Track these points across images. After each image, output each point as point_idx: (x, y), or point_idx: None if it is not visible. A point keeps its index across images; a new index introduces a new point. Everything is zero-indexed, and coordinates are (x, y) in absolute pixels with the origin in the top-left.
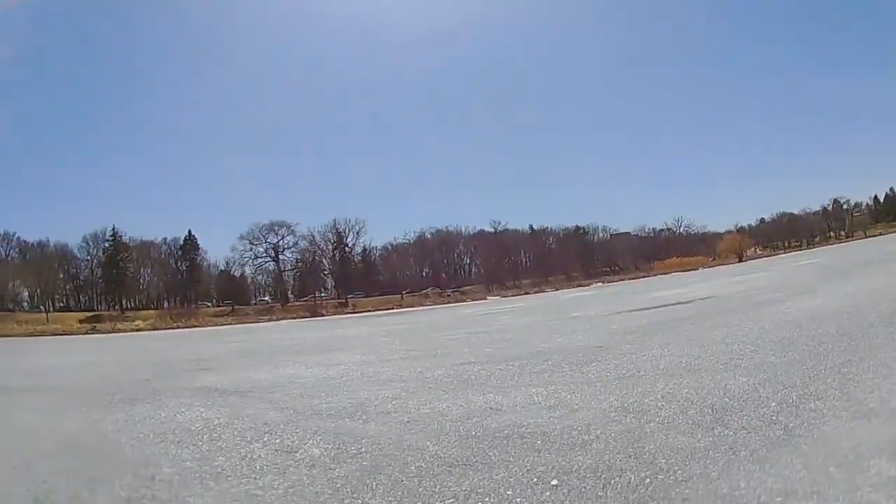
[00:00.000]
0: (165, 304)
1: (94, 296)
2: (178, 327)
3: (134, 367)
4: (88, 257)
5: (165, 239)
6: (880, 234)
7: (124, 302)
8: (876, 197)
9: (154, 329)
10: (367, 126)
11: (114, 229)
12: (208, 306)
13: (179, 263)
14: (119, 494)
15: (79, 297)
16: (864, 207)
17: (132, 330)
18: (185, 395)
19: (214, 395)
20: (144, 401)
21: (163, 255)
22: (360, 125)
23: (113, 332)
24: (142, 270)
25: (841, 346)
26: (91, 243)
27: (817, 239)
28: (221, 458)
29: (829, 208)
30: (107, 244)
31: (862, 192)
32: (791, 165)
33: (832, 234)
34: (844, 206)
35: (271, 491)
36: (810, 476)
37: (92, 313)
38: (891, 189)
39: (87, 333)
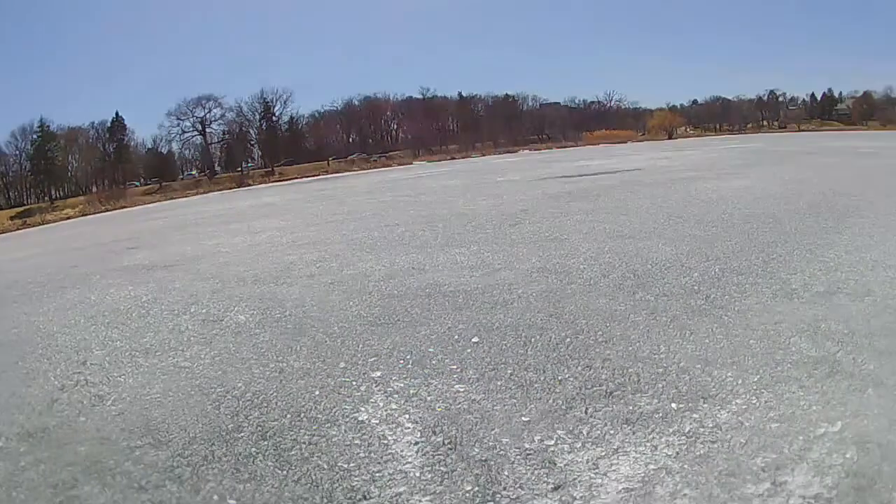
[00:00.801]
0: (94, 189)
1: (24, 190)
2: (108, 210)
3: (63, 256)
4: (17, 152)
5: (93, 123)
6: (814, 130)
7: (54, 192)
8: (813, 94)
9: (83, 215)
10: None
11: (41, 120)
12: (136, 186)
13: (107, 146)
14: (53, 384)
15: (9, 195)
16: (800, 103)
17: (62, 219)
18: (113, 276)
19: (142, 272)
20: (74, 287)
21: (91, 140)
22: None
23: (43, 223)
24: (70, 158)
25: (767, 227)
26: (19, 137)
27: (750, 126)
28: (150, 333)
29: (765, 98)
30: (35, 136)
31: (799, 88)
32: (729, 53)
33: (765, 123)
34: (780, 99)
35: (198, 361)
36: (731, 346)
37: (22, 208)
38: (829, 89)
39: (18, 229)
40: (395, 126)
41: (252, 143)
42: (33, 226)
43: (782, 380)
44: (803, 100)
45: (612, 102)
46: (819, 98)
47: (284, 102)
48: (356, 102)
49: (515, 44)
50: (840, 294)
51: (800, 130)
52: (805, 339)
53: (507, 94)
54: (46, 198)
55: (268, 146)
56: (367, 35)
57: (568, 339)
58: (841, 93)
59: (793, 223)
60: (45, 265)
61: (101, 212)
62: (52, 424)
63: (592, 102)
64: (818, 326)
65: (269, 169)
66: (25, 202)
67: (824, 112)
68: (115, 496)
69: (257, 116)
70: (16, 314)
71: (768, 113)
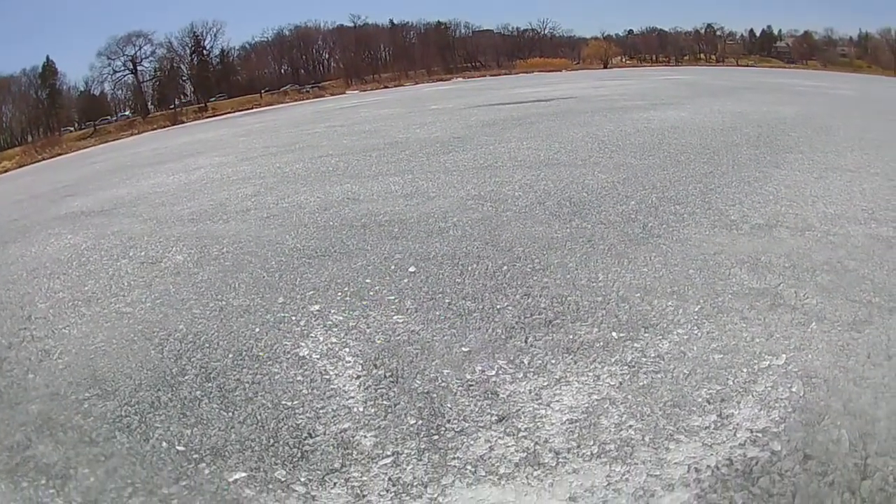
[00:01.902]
0: (30, 138)
1: None
2: (44, 159)
3: (1, 210)
4: None
5: (25, 70)
6: (752, 66)
7: None
8: (752, 30)
9: (21, 166)
10: None
11: None
12: (71, 131)
13: (40, 93)
14: (1, 343)
15: None
16: (738, 38)
17: None
18: (53, 225)
19: (81, 219)
20: (14, 241)
21: (23, 89)
22: None
23: None
24: (3, 108)
25: (704, 159)
26: None
27: (687, 58)
28: (91, 281)
29: (702, 32)
30: None
31: (738, 23)
32: None
33: (703, 56)
34: (718, 33)
35: (139, 305)
36: (670, 276)
37: None
38: (768, 26)
39: None
40: (327, 56)
41: (184, 78)
42: None
43: (724, 311)
44: (742, 35)
45: (546, 30)
46: (758, 34)
47: (215, 35)
48: (287, 33)
49: None
50: (780, 227)
51: (738, 65)
52: (746, 270)
53: (439, 22)
54: None
55: (200, 81)
56: None
57: (505, 268)
58: (780, 31)
59: (730, 155)
60: None
61: (38, 161)
62: (2, 385)
63: (526, 30)
64: (758, 259)
65: (203, 105)
66: None
67: (763, 49)
68: (68, 453)
69: (188, 51)
70: None
71: (706, 46)
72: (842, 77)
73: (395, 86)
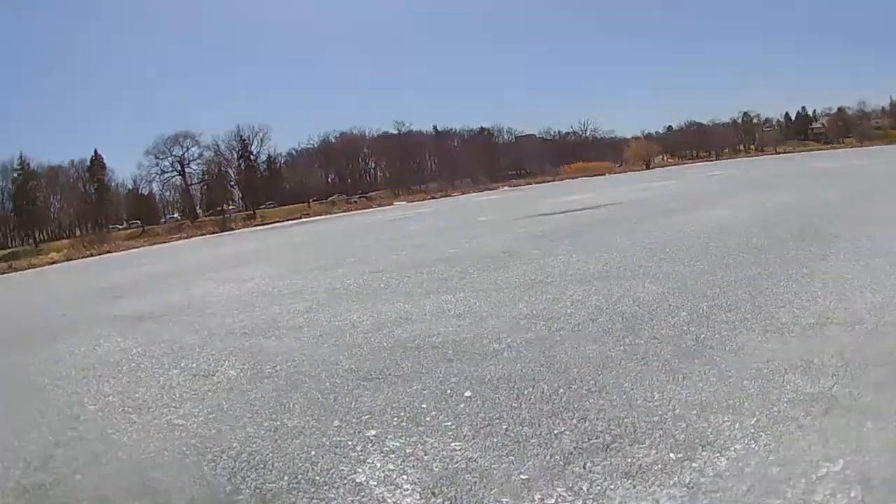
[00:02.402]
0: (78, 232)
1: (8, 232)
2: (92, 255)
3: (52, 304)
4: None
5: (73, 161)
6: (790, 151)
7: (38, 234)
8: (787, 114)
9: (69, 259)
10: (268, 27)
11: (21, 157)
12: (119, 229)
13: (88, 186)
14: (48, 440)
15: None
16: (774, 124)
17: (48, 263)
18: (102, 325)
19: (131, 322)
20: (64, 337)
21: (71, 180)
22: (261, 27)
23: (29, 268)
24: (52, 198)
25: (751, 259)
26: (0, 176)
27: (726, 151)
28: (142, 388)
29: (740, 122)
30: (16, 174)
31: (773, 109)
32: (703, 77)
33: (742, 147)
34: (755, 121)
35: (192, 419)
36: (725, 389)
37: (7, 251)
38: (802, 108)
39: (4, 273)
40: (373, 164)
41: (231, 183)
42: (20, 270)
43: (779, 420)
44: (778, 120)
45: (588, 133)
46: (793, 118)
47: (261, 140)
48: (332, 139)
49: (490, 75)
50: (830, 325)
51: (777, 153)
52: (799, 375)
53: (482, 128)
54: (30, 240)
55: (247, 187)
56: (342, 69)
57: (561, 390)
58: (815, 111)
59: (776, 252)
60: (33, 312)
61: (86, 256)
62: (49, 481)
63: (568, 133)
64: (811, 361)
65: (251, 212)
66: (10, 245)
67: (800, 132)
68: None
69: (235, 155)
70: (6, 364)
71: (744, 136)
72: (879, 152)
73: (442, 196)
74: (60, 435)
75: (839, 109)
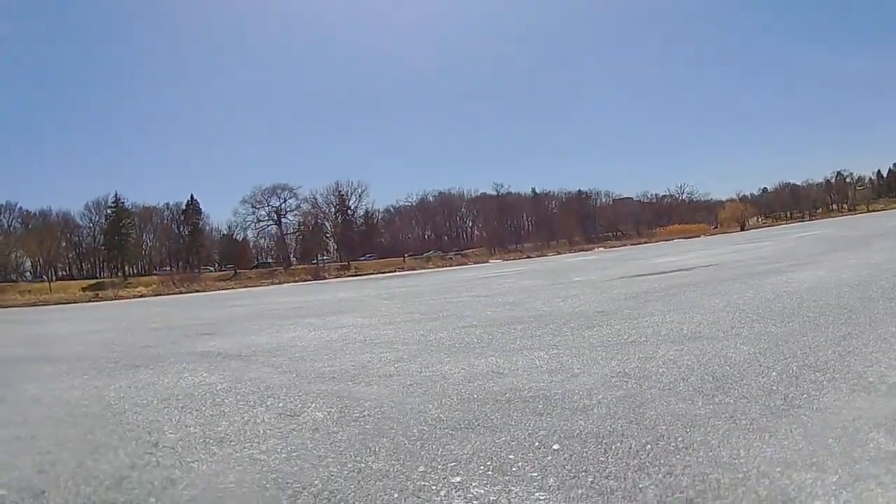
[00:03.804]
0: (168, 269)
1: (97, 263)
2: (181, 292)
3: (137, 334)
4: (91, 224)
5: (168, 204)
6: (883, 209)
7: (127, 269)
8: (879, 172)
9: (157, 295)
10: (374, 89)
11: (116, 195)
12: (211, 271)
13: (182, 228)
14: (123, 462)
15: (81, 266)
16: (867, 182)
17: (135, 296)
18: (187, 360)
19: (217, 359)
20: (147, 367)
21: (165, 221)
22: (368, 87)
23: (116, 298)
24: (144, 236)
25: (842, 319)
26: (93, 210)
27: (819, 211)
28: (224, 422)
29: (832, 181)
30: (109, 210)
31: (865, 166)
32: (796, 137)
33: (834, 206)
34: (847, 180)
35: (274, 455)
36: (809, 447)
37: (95, 281)
38: (894, 164)
39: (89, 301)
40: (471, 223)
41: (327, 235)
42: (106, 300)
43: (861, 478)
44: (870, 178)
45: (684, 195)
46: (885, 175)
47: (360, 196)
48: (431, 199)
49: (586, 137)
50: None
51: (869, 210)
52: (883, 433)
53: (580, 191)
54: (119, 273)
55: (343, 240)
56: (443, 129)
57: (648, 446)
58: None
59: (867, 313)
60: (117, 341)
61: (175, 293)
62: (121, 501)
63: (664, 196)
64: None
65: (345, 263)
66: (98, 275)
67: (891, 188)
68: None
69: (332, 209)
70: (87, 387)
71: (837, 195)
72: None
73: (538, 256)
74: (137, 459)
75: None
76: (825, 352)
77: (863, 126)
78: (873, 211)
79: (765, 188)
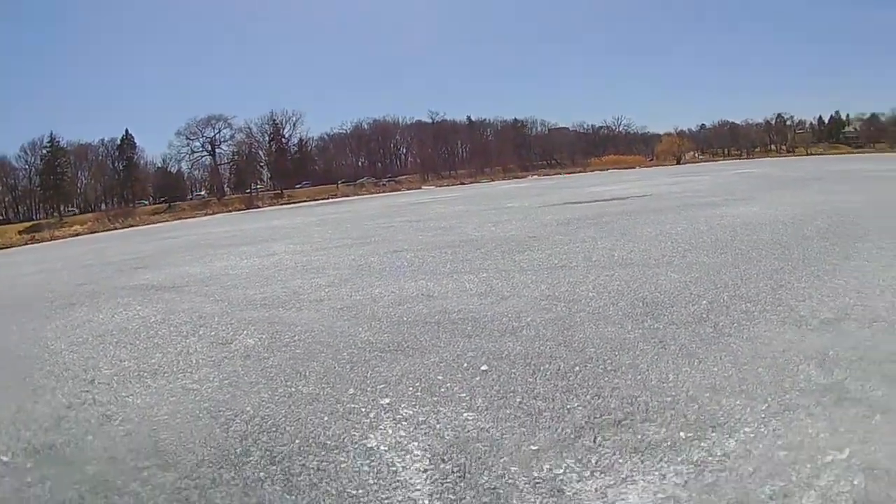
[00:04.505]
0: (103, 207)
1: (34, 205)
2: (116, 228)
3: (72, 273)
4: (27, 166)
5: (103, 140)
6: (822, 154)
7: (63, 208)
8: (820, 118)
9: (92, 232)
10: (307, 16)
11: (51, 135)
12: (146, 205)
13: (117, 164)
14: (61, 402)
15: (18, 209)
16: (807, 126)
17: (71, 235)
18: (122, 295)
19: (151, 292)
20: (82, 304)
21: (100, 157)
22: (299, 15)
23: (52, 239)
24: (79, 174)
25: (775, 254)
26: (29, 152)
27: (758, 150)
28: (158, 354)
29: (773, 122)
30: (44, 151)
31: (806, 111)
32: (737, 77)
33: (773, 147)
34: (788, 123)
35: (207, 384)
36: (739, 375)
37: (31, 223)
38: (836, 112)
39: (26, 244)
40: (405, 150)
41: (261, 164)
42: (42, 241)
43: (790, 408)
44: (811, 123)
45: (621, 128)
46: (826, 121)
47: (294, 124)
48: (365, 126)
49: (525, 69)
50: (848, 320)
51: (808, 154)
52: (813, 366)
53: (515, 119)
54: (55, 213)
55: (277, 168)
56: (378, 59)
57: (577, 368)
58: (848, 115)
59: (800, 249)
60: (53, 282)
61: (111, 230)
62: (60, 442)
63: (601, 127)
64: (826, 353)
65: (279, 191)
66: (35, 217)
67: (832, 135)
68: None
69: (266, 138)
70: (24, 330)
71: (776, 136)
72: None
73: (471, 182)
74: (74, 398)
75: (872, 115)
76: (757, 284)
77: (805, 72)
78: (813, 154)
79: (703, 124)
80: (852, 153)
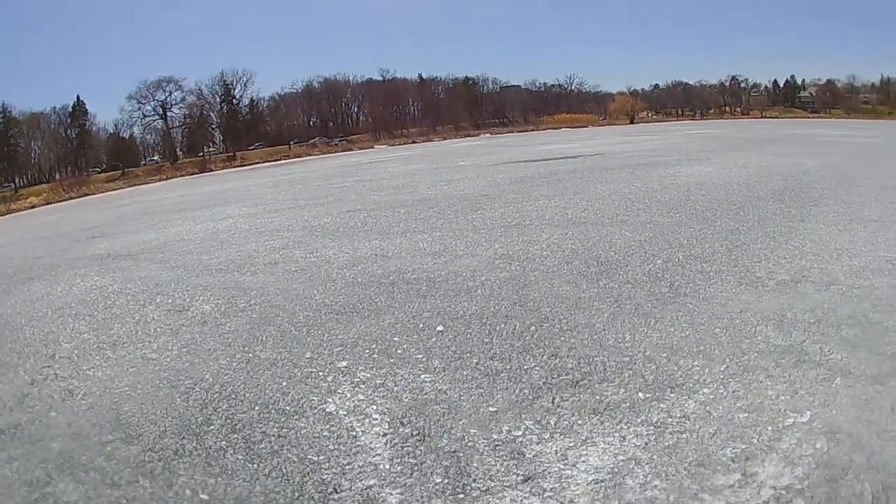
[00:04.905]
0: (58, 176)
1: None
2: (72, 198)
3: (29, 245)
4: None
5: (55, 108)
6: (777, 117)
7: (17, 180)
8: (776, 81)
9: (48, 203)
10: None
11: (2, 104)
12: (99, 172)
13: (69, 132)
14: (23, 379)
15: None
16: (762, 89)
17: (26, 208)
18: (79, 265)
19: (107, 261)
20: (41, 278)
21: (53, 126)
22: None
23: (7, 213)
24: (32, 144)
25: (730, 214)
26: None
27: (712, 111)
28: (117, 325)
29: (727, 84)
30: None
31: (762, 75)
32: (693, 40)
33: (728, 108)
34: (742, 85)
35: (165, 353)
36: (696, 335)
37: None
38: (791, 76)
39: None
40: (356, 109)
41: (213, 126)
42: None
43: (749, 369)
44: (766, 86)
45: (574, 86)
46: (782, 85)
47: (245, 84)
48: (316, 85)
49: (476, 25)
50: (805, 282)
51: (763, 117)
52: (771, 327)
53: (467, 77)
54: (10, 185)
55: (229, 130)
56: (327, 15)
57: (533, 328)
58: (804, 80)
59: (756, 211)
60: (10, 256)
61: (66, 200)
62: (24, 420)
63: (553, 86)
64: (784, 315)
65: (231, 154)
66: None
67: (787, 99)
68: (89, 493)
69: (218, 99)
70: None
71: (731, 98)
72: (865, 125)
73: (424, 141)
74: (36, 374)
75: (828, 81)
76: (712, 244)
77: (760, 34)
78: (767, 118)
79: (657, 84)
80: (808, 118)
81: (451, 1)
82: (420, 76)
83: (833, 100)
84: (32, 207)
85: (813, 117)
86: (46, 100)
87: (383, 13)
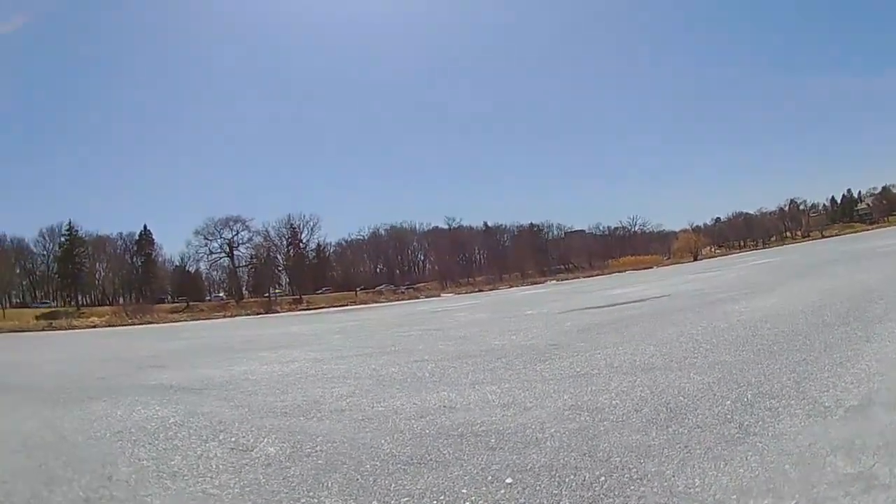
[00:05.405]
0: (121, 300)
1: (51, 291)
2: (134, 324)
3: (90, 365)
4: (45, 252)
5: (121, 234)
6: (836, 235)
7: (80, 298)
8: (833, 198)
9: (110, 326)
10: (327, 122)
11: (70, 224)
12: (163, 302)
13: (135, 259)
14: (78, 494)
15: (35, 293)
16: (820, 208)
17: (88, 326)
18: (140, 392)
19: (170, 392)
20: (101, 399)
21: (118, 251)
22: (320, 121)
23: (69, 328)
24: (97, 266)
25: (796, 346)
26: (47, 238)
27: (773, 239)
28: (178, 457)
29: (786, 209)
30: (63, 238)
31: (819, 193)
32: (749, 166)
33: (788, 233)
34: (801, 207)
35: (227, 490)
36: (766, 474)
37: (49, 310)
38: (847, 191)
39: (43, 330)
40: (422, 257)
41: (280, 268)
42: (59, 329)
43: (819, 502)
44: (824, 205)
45: (637, 227)
46: (839, 200)
47: (311, 229)
48: (382, 232)
49: (540, 172)
50: (874, 406)
51: (823, 237)
52: (840, 456)
53: (532, 224)
54: (73, 302)
55: (295, 273)
56: (394, 162)
57: (602, 478)
58: (860, 192)
59: (821, 337)
60: (71, 372)
61: (128, 324)
62: None
63: (617, 228)
64: (853, 442)
65: (297, 297)
66: (52, 304)
67: (845, 214)
68: None
69: (284, 242)
70: (41, 418)
71: (791, 223)
72: None
73: (490, 289)
74: (91, 492)
75: (883, 188)
76: (780, 378)
77: (817, 153)
78: (827, 237)
79: (718, 218)
80: (867, 230)
81: (513, 149)
82: (485, 223)
83: (889, 207)
84: (94, 327)
85: (871, 228)
86: (113, 224)
87: (449, 162)
